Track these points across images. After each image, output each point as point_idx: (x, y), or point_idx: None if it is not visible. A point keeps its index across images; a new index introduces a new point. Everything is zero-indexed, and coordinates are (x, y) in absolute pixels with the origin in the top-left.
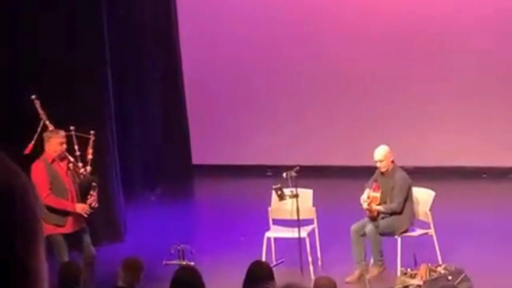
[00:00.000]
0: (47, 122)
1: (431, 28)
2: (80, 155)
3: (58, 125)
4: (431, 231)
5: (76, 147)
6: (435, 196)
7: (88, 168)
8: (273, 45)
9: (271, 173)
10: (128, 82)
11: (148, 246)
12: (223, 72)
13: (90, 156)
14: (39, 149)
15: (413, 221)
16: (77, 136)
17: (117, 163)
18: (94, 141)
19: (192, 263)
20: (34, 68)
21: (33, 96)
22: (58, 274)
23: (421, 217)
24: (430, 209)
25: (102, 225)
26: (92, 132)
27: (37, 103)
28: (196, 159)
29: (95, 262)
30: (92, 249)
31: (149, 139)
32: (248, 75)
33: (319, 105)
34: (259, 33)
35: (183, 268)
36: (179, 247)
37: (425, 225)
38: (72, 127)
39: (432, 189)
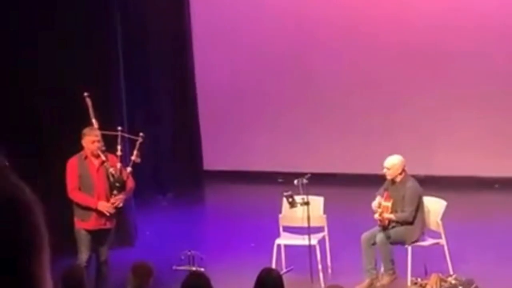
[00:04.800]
0: (93, 120)
1: (444, 39)
2: (122, 156)
3: (107, 125)
4: (442, 241)
5: (119, 147)
6: (447, 206)
7: (129, 169)
8: (288, 53)
9: (282, 179)
10: (140, 86)
11: (158, 251)
12: (237, 78)
13: (134, 158)
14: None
15: (424, 231)
16: (123, 137)
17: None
18: (141, 143)
19: (201, 269)
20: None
21: (85, 94)
22: (61, 278)
23: (432, 226)
24: (441, 219)
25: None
26: (141, 134)
27: (89, 101)
28: (207, 165)
29: (106, 277)
30: (106, 268)
31: (160, 144)
32: (261, 82)
33: (332, 113)
34: (274, 41)
35: (192, 274)
36: (189, 253)
37: (436, 234)
38: (119, 128)
39: (443, 198)
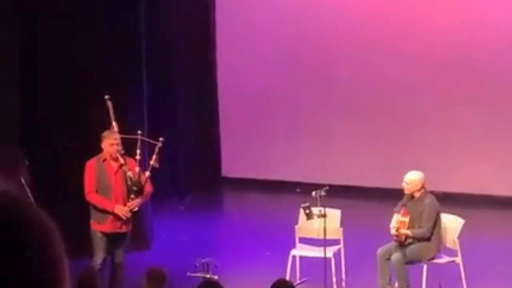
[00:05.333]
0: (113, 123)
1: (468, 55)
2: (141, 160)
3: (127, 129)
4: (458, 259)
5: (138, 151)
6: (464, 224)
7: (147, 173)
8: (313, 62)
9: (300, 190)
10: (161, 90)
11: (173, 256)
12: (259, 86)
13: (153, 163)
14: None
15: (440, 248)
16: (142, 141)
17: None
18: (160, 148)
19: (216, 277)
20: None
21: (106, 96)
22: (75, 280)
23: (449, 244)
24: (458, 237)
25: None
26: (160, 139)
27: (110, 104)
28: (226, 171)
29: (120, 280)
30: (121, 271)
31: (179, 148)
32: (284, 90)
33: (353, 126)
34: (298, 49)
35: (206, 281)
36: (203, 260)
37: (452, 252)
38: (139, 132)
39: (461, 216)
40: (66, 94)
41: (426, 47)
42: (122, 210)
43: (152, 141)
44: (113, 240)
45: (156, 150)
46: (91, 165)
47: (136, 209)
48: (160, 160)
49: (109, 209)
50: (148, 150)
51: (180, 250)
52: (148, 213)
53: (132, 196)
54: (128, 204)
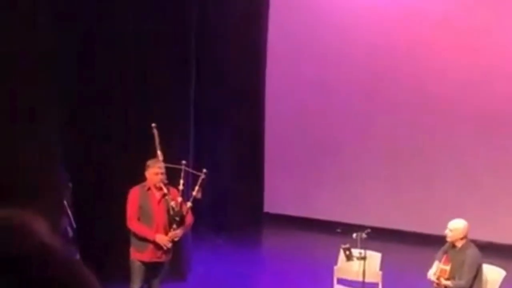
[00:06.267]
0: (158, 152)
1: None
2: (184, 190)
3: (171, 158)
4: None
5: (181, 181)
6: (506, 276)
7: (189, 204)
8: (356, 109)
9: (341, 230)
10: (208, 122)
11: None
12: (306, 122)
13: (195, 193)
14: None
15: None
16: (187, 171)
17: None
18: (203, 179)
19: None
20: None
21: (153, 125)
22: None
23: None
24: None
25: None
26: (204, 170)
27: (156, 132)
28: (268, 207)
29: None
30: None
31: (223, 181)
32: (331, 127)
33: (397, 169)
34: (344, 93)
35: None
36: None
37: None
38: (184, 162)
39: (503, 268)
40: (113, 120)
41: (467, 93)
42: (163, 240)
43: (195, 172)
44: (151, 269)
45: (199, 181)
46: (134, 193)
47: (177, 239)
48: (202, 191)
49: (150, 237)
50: (191, 181)
51: (216, 283)
52: (187, 244)
53: (174, 226)
54: (170, 234)
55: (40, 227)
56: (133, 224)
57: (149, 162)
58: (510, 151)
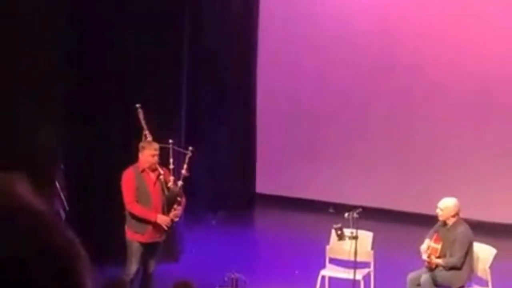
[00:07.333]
0: (147, 133)
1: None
2: (174, 169)
3: (158, 137)
4: None
5: (171, 160)
6: (496, 254)
7: (180, 182)
8: (353, 87)
9: (333, 210)
10: (200, 103)
11: (202, 270)
12: (298, 103)
13: (184, 172)
14: (134, 157)
15: (471, 277)
16: (174, 150)
17: None
18: (190, 157)
19: None
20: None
21: (137, 105)
22: None
23: (480, 273)
24: (490, 266)
25: None
26: (190, 148)
27: (140, 113)
28: (260, 188)
29: None
30: (151, 282)
31: (215, 163)
32: (323, 109)
33: (390, 149)
34: (342, 73)
35: None
36: (233, 275)
37: (482, 282)
38: (170, 141)
39: (494, 246)
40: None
41: (462, 76)
42: (165, 220)
43: (182, 150)
44: (149, 249)
45: (186, 159)
46: (129, 175)
47: (177, 219)
48: (189, 169)
49: (152, 219)
50: (178, 160)
51: (209, 264)
52: (180, 225)
53: (175, 206)
54: (172, 213)
55: (24, 190)
56: (134, 206)
57: (144, 144)
58: (500, 130)
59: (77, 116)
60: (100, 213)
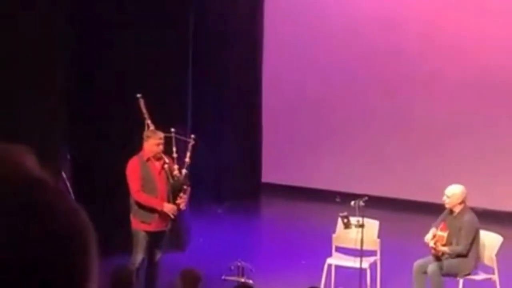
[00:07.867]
0: (149, 122)
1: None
2: (178, 158)
3: (160, 126)
4: (495, 277)
5: (174, 149)
6: (503, 242)
7: (184, 171)
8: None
9: (340, 199)
10: (206, 93)
11: (209, 258)
12: (304, 93)
13: (187, 160)
14: (137, 146)
15: (478, 265)
16: (177, 139)
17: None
18: (193, 145)
19: (250, 281)
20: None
21: (138, 95)
22: (110, 278)
23: (486, 261)
24: (496, 255)
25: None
26: (192, 136)
27: (141, 102)
28: (266, 177)
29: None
30: (157, 270)
31: (221, 152)
32: (328, 99)
33: (396, 138)
34: (348, 61)
35: (241, 285)
36: (239, 264)
37: (489, 269)
38: (173, 129)
39: (500, 234)
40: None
41: (468, 65)
42: (171, 209)
43: (185, 139)
44: (155, 238)
45: (189, 147)
46: (134, 164)
47: (183, 207)
48: (191, 156)
49: (158, 208)
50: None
51: (216, 253)
52: (186, 214)
53: (181, 194)
54: (178, 201)
55: (30, 161)
56: (141, 195)
57: (149, 133)
58: (508, 118)
59: (77, 116)
60: (101, 214)
